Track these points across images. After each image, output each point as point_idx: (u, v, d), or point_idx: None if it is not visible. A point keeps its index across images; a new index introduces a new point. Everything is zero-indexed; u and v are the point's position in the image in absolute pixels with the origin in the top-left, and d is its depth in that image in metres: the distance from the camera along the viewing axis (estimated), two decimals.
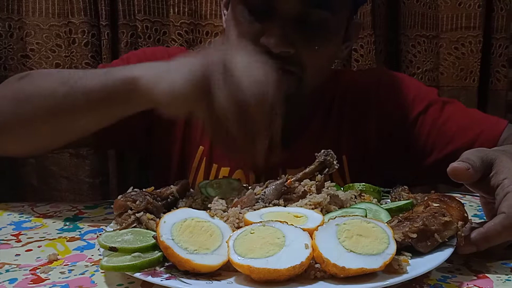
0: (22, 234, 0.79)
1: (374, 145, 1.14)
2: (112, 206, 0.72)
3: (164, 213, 0.67)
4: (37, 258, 0.69)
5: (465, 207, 0.68)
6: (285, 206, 0.69)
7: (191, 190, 0.88)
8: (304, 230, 0.58)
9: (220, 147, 0.84)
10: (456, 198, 0.70)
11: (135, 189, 0.74)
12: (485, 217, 0.75)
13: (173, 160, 1.11)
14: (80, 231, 0.80)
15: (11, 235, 0.79)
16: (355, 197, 0.80)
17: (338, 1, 1.00)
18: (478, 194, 0.74)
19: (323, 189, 0.73)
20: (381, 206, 0.73)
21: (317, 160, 0.75)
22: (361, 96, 1.15)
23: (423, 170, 1.13)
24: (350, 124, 1.14)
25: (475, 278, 0.61)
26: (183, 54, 0.79)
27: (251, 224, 0.60)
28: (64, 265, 0.66)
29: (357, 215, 0.62)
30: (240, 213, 0.67)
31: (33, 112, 0.88)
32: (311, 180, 0.74)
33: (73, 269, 0.64)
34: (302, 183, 0.74)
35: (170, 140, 1.11)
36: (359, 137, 1.14)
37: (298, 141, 1.10)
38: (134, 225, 0.68)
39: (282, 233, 0.57)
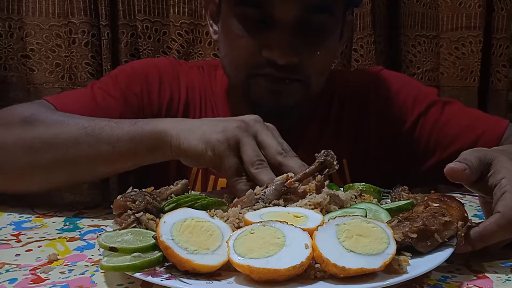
0: (22, 234, 0.79)
1: (374, 147, 1.13)
2: (112, 206, 0.72)
3: (164, 213, 0.67)
4: (37, 258, 0.68)
5: (465, 207, 0.68)
6: (285, 206, 0.69)
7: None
8: (304, 230, 0.58)
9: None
10: (456, 198, 0.70)
11: (135, 189, 0.74)
12: (484, 217, 0.75)
13: (170, 176, 1.10)
14: (80, 231, 0.80)
15: (11, 235, 0.79)
16: (355, 197, 0.80)
17: (335, 3, 0.99)
18: (477, 194, 0.74)
19: (323, 189, 0.73)
20: (381, 206, 0.73)
21: (317, 161, 0.75)
22: (361, 97, 1.15)
23: (425, 171, 1.12)
24: (349, 126, 1.13)
25: (475, 278, 0.61)
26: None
27: (251, 224, 0.60)
28: (64, 265, 0.66)
29: (357, 215, 0.62)
30: (240, 213, 0.67)
31: (52, 161, 0.87)
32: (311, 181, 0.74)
33: (73, 269, 0.64)
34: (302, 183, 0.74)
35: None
36: (359, 139, 1.13)
37: (297, 145, 1.09)
38: (134, 225, 0.68)
39: (282, 233, 0.57)
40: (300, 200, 0.71)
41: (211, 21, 1.10)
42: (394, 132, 1.12)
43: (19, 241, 0.76)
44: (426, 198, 0.72)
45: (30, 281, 0.61)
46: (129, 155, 0.85)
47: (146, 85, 1.10)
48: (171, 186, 0.81)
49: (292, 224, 0.59)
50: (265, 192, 0.71)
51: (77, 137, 0.86)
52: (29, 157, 0.88)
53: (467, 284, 0.59)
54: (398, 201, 0.80)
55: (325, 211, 0.69)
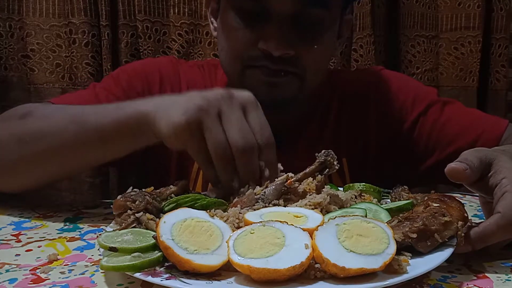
0: (22, 234, 0.79)
1: (374, 146, 1.13)
2: (112, 206, 0.72)
3: (164, 213, 0.68)
4: (37, 258, 0.68)
5: (465, 207, 0.68)
6: (285, 206, 0.69)
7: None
8: (304, 230, 0.58)
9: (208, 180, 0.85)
10: (456, 198, 0.70)
11: (135, 189, 0.74)
12: (484, 217, 0.75)
13: (170, 176, 1.10)
14: (80, 231, 0.80)
15: (11, 235, 0.79)
16: (355, 197, 0.80)
17: None
18: (478, 194, 0.74)
19: (323, 189, 0.73)
20: (381, 206, 0.73)
21: (317, 161, 0.75)
22: (360, 97, 1.14)
23: (424, 171, 1.12)
24: (349, 126, 1.13)
25: (475, 278, 0.61)
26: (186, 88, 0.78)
27: (251, 224, 0.60)
28: (64, 265, 0.66)
29: (357, 215, 0.62)
30: (240, 213, 0.67)
31: (42, 152, 0.87)
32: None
33: (73, 269, 0.64)
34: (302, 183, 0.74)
35: (166, 158, 1.10)
36: (359, 139, 1.13)
37: (296, 145, 1.09)
38: (134, 225, 0.68)
39: (282, 233, 0.57)
40: (300, 200, 0.71)
41: (212, 18, 1.10)
42: (394, 132, 1.12)
43: (19, 241, 0.76)
44: (426, 198, 0.72)
45: (30, 281, 0.61)
46: (115, 140, 0.83)
47: (147, 83, 1.11)
48: (171, 186, 0.81)
49: (292, 224, 0.59)
50: (265, 192, 0.71)
51: (62, 126, 0.86)
52: (20, 150, 0.88)
53: (467, 284, 0.59)
54: (398, 201, 0.80)
55: (325, 211, 0.69)
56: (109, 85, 1.10)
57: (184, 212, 0.63)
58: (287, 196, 0.72)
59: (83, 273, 0.63)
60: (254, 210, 0.68)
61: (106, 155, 0.88)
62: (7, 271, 0.64)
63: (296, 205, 0.69)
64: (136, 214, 0.69)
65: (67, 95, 1.16)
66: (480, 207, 0.78)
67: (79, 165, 0.93)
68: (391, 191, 0.86)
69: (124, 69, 1.18)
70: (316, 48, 0.99)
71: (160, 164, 1.12)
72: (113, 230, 0.67)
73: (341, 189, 0.85)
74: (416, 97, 1.13)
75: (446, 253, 0.60)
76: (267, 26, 0.95)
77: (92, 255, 0.69)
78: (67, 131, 0.85)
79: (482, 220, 0.66)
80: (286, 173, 0.75)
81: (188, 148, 0.77)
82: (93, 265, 0.66)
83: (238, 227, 0.63)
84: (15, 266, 0.66)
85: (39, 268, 0.64)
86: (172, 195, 0.77)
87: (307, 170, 0.75)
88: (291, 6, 0.94)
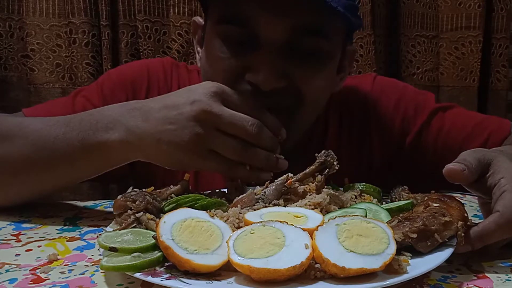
0: (22, 234, 0.79)
1: (378, 162, 1.08)
2: (112, 206, 0.72)
3: (164, 213, 0.68)
4: (37, 258, 0.68)
5: (465, 207, 0.68)
6: (285, 206, 0.69)
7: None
8: (304, 230, 0.58)
9: None
10: (456, 198, 0.70)
11: (135, 189, 0.74)
12: (483, 218, 0.75)
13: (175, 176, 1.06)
14: (80, 231, 0.80)
15: (11, 235, 0.79)
16: (355, 197, 0.80)
17: (330, 26, 0.89)
18: (476, 195, 0.74)
19: (323, 189, 0.73)
20: (381, 206, 0.73)
21: (317, 161, 0.75)
22: (358, 116, 1.09)
23: (439, 180, 1.08)
24: (349, 147, 1.07)
25: (475, 278, 0.61)
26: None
27: (251, 224, 0.60)
28: (64, 265, 0.66)
29: (357, 215, 0.62)
30: (240, 213, 0.67)
31: (7, 176, 0.86)
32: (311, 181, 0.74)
33: (73, 269, 0.64)
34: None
35: (151, 175, 1.02)
36: (360, 160, 1.08)
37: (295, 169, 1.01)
38: (134, 225, 0.68)
39: (282, 233, 0.57)
40: (300, 200, 0.71)
41: (198, 48, 1.03)
42: (398, 146, 1.08)
43: (19, 241, 0.76)
44: (426, 198, 0.72)
45: (30, 281, 0.61)
46: (86, 169, 0.87)
47: (132, 92, 1.06)
48: (171, 186, 0.81)
49: (292, 224, 0.59)
50: (265, 192, 0.71)
51: (26, 154, 0.85)
52: None
53: (467, 284, 0.59)
54: (398, 201, 0.80)
55: (325, 211, 0.69)
56: (91, 94, 1.05)
57: (184, 212, 0.63)
58: (287, 196, 0.72)
59: (83, 273, 0.63)
60: (254, 210, 0.68)
61: (78, 177, 0.90)
62: (7, 271, 0.64)
63: (296, 205, 0.69)
64: (136, 214, 0.69)
65: (44, 105, 1.10)
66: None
67: (49, 187, 0.91)
68: (391, 191, 0.86)
69: (111, 76, 1.12)
70: (313, 79, 0.88)
71: (146, 175, 1.04)
72: (113, 230, 0.67)
73: (341, 189, 0.85)
74: (417, 107, 1.08)
75: (446, 253, 0.60)
76: (256, 55, 0.84)
77: (92, 255, 0.69)
78: (31, 159, 0.85)
79: (482, 221, 0.66)
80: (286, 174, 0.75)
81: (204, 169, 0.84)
82: (93, 265, 0.66)
83: (238, 227, 0.64)
84: (15, 266, 0.66)
85: (39, 268, 0.64)
86: (172, 195, 0.77)
87: (307, 170, 0.75)
88: (284, 33, 0.84)
